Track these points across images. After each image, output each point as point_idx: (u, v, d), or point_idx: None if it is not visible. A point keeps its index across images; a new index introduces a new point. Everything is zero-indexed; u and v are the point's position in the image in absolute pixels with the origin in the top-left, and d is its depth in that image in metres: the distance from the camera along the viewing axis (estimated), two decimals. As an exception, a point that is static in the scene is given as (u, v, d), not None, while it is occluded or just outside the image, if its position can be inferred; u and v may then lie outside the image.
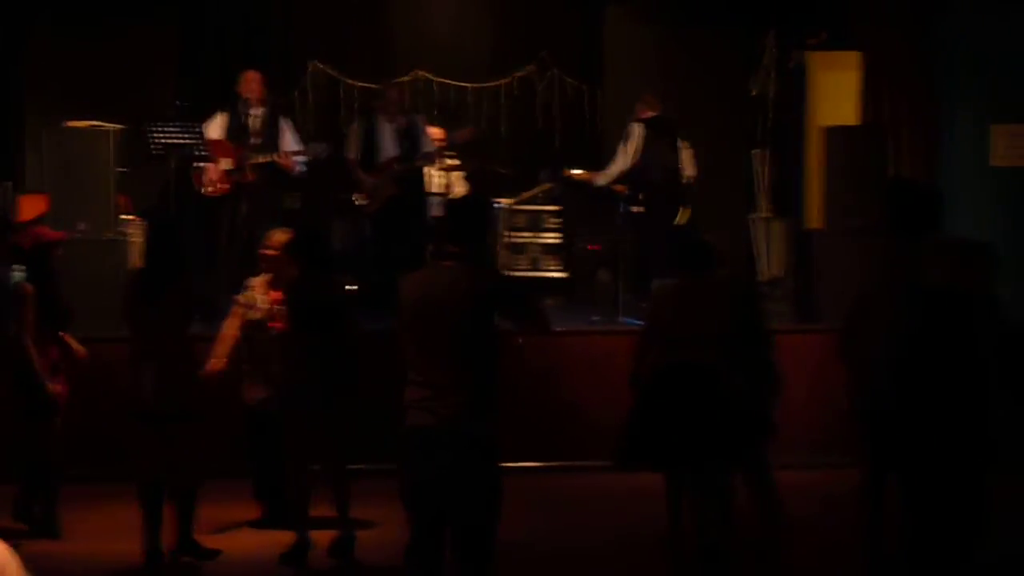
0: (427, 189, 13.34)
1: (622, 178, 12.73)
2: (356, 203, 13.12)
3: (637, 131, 12.72)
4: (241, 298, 9.35)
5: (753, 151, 14.40)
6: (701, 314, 8.09)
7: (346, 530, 8.67)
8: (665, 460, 8.15)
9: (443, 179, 13.62)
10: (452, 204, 8.83)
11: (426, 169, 13.33)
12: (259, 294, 9.26)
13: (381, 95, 13.53)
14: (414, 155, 13.08)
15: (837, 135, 12.44)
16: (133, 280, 8.69)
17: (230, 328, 9.28)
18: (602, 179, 12.85)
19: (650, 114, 12.81)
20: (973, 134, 12.73)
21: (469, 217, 6.62)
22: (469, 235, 6.49)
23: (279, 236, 9.17)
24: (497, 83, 15.17)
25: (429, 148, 13.17)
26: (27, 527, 9.22)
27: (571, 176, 13.18)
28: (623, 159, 12.72)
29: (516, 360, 8.63)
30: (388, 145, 13.07)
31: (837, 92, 13.66)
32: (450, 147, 13.61)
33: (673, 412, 7.89)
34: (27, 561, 3.09)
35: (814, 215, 13.07)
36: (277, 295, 8.94)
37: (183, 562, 8.51)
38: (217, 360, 9.06)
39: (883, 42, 13.27)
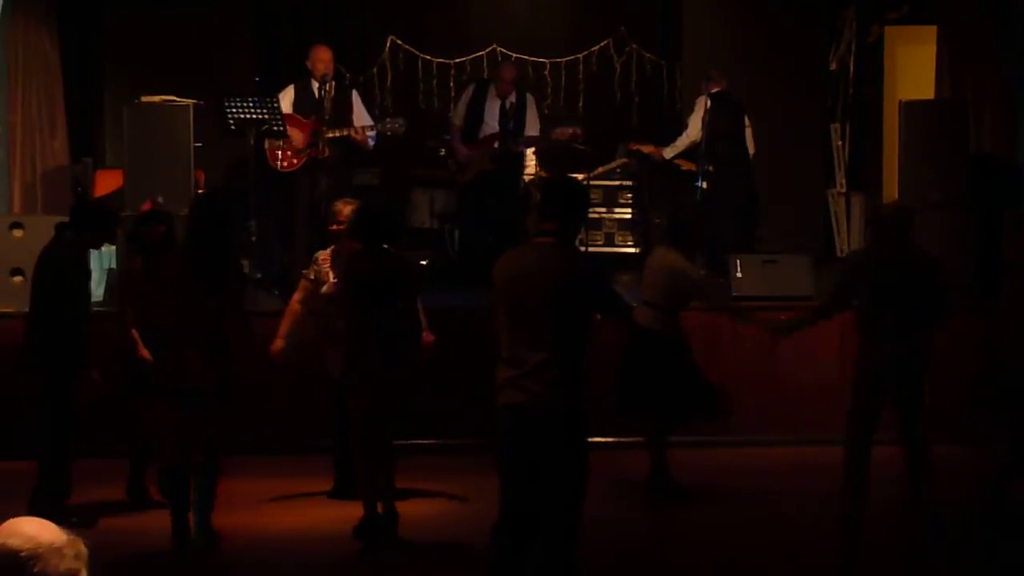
0: (526, 171, 13.45)
1: (688, 152, 12.75)
2: (450, 172, 13.28)
3: (703, 105, 12.72)
4: (308, 272, 9.38)
5: (832, 125, 14.28)
6: None
7: (383, 509, 8.49)
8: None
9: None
10: (549, 183, 8.83)
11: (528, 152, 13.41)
12: (325, 267, 9.28)
13: (496, 73, 13.62)
14: (517, 135, 13.11)
15: (915, 109, 12.28)
16: (181, 260, 8.40)
17: (294, 303, 9.36)
18: (669, 152, 12.98)
19: (716, 89, 12.79)
20: None
21: (567, 197, 6.63)
22: (566, 214, 6.51)
23: (345, 209, 9.17)
24: (574, 58, 15.14)
25: (534, 131, 13.21)
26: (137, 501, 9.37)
27: (639, 150, 13.15)
28: (689, 133, 12.82)
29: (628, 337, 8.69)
30: (491, 120, 13.16)
31: (916, 67, 13.58)
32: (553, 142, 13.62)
33: None
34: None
35: (892, 190, 12.93)
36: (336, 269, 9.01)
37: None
38: (278, 339, 9.17)
39: (962, 16, 13.12)
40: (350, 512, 8.65)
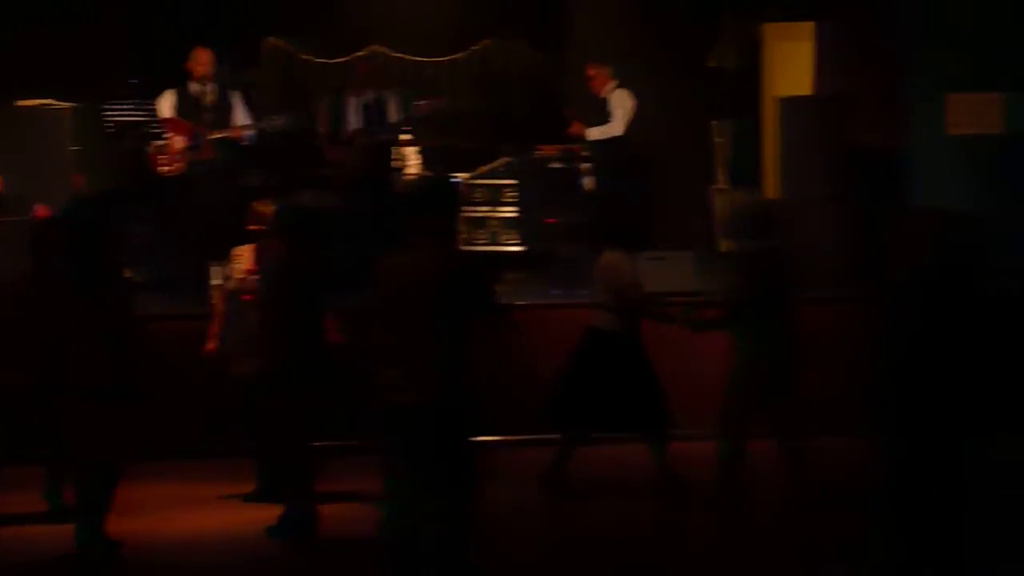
0: (408, 171, 13.42)
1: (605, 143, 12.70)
2: (326, 176, 13.19)
3: (630, 101, 12.67)
4: (219, 269, 9.35)
5: (712, 122, 14.38)
6: None
7: (297, 508, 8.49)
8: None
9: (398, 155, 13.59)
10: (421, 183, 8.88)
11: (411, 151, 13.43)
12: (237, 264, 9.26)
13: (351, 69, 13.54)
14: (380, 128, 13.06)
15: (791, 105, 12.48)
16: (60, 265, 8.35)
17: (218, 303, 9.36)
18: (596, 133, 12.76)
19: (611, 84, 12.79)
20: (929, 104, 12.72)
21: (438, 196, 6.75)
22: (440, 214, 6.63)
23: (263, 208, 9.17)
24: (456, 56, 15.10)
25: (396, 123, 13.22)
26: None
27: (569, 132, 12.99)
28: (615, 128, 12.68)
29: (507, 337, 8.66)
30: (353, 119, 13.16)
31: (794, 63, 13.70)
32: (417, 119, 13.58)
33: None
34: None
35: (773, 186, 13.14)
36: (251, 267, 8.98)
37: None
38: (210, 340, 9.25)
39: (843, 11, 13.23)
40: (258, 515, 8.65)
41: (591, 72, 12.82)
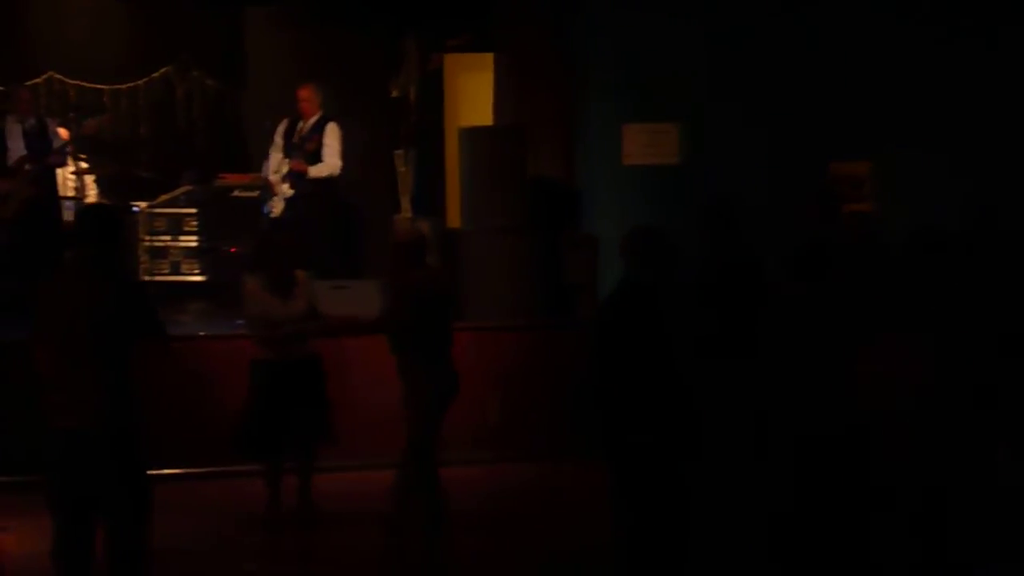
0: (60, 192, 13.08)
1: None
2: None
3: (338, 131, 12.42)
4: None
5: (395, 152, 14.45)
6: None
7: None
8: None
9: (76, 182, 13.35)
10: (83, 211, 8.65)
11: (59, 171, 13.04)
12: None
13: (11, 96, 13.13)
14: (45, 153, 12.77)
15: (472, 136, 12.56)
16: None
17: None
18: (315, 172, 12.38)
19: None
20: (607, 133, 12.89)
21: (100, 223, 6.73)
22: (102, 241, 6.65)
23: None
24: (134, 84, 14.85)
25: (61, 148, 12.88)
26: None
27: (291, 166, 12.51)
28: (331, 165, 12.40)
29: (165, 363, 8.66)
30: (17, 146, 12.77)
31: (475, 93, 13.80)
32: (80, 140, 13.30)
33: None
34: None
35: (455, 215, 13.19)
36: None
37: None
38: None
39: (521, 42, 13.33)
40: None
41: (304, 94, 12.43)
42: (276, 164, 12.47)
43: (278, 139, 12.49)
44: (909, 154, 12.04)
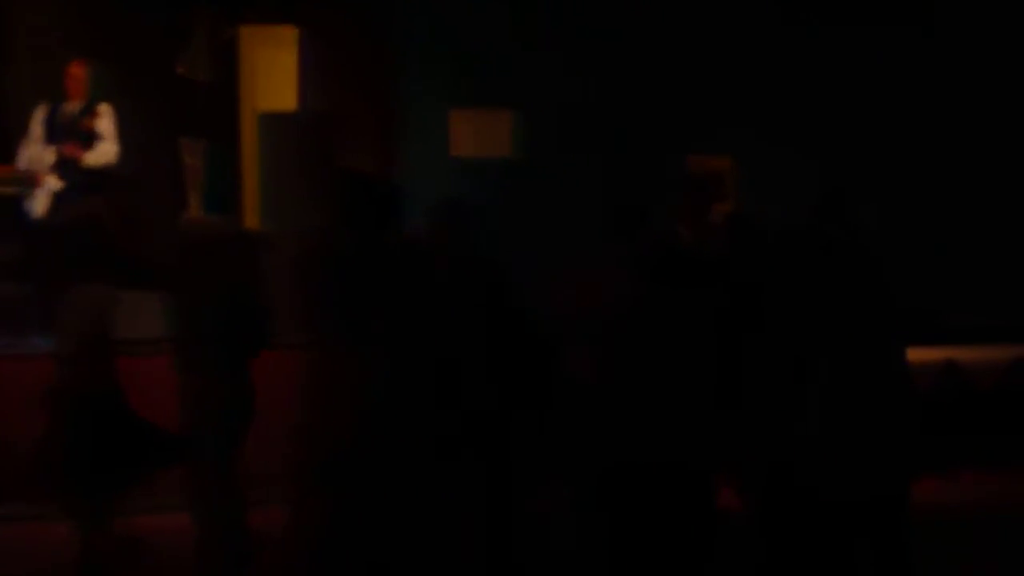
0: None
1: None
2: None
3: (114, 115, 11.63)
4: None
5: (182, 140, 13.43)
6: None
7: None
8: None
9: None
10: None
11: None
12: None
13: None
14: None
15: (272, 122, 12.15)
16: None
17: None
18: (93, 159, 11.55)
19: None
20: (432, 122, 12.73)
21: None
22: None
23: None
24: None
25: None
26: None
27: (64, 152, 11.54)
28: (112, 144, 11.58)
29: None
30: None
31: (276, 74, 13.21)
32: None
33: None
34: None
35: (254, 213, 12.67)
36: None
37: None
38: None
39: (325, 17, 12.87)
40: None
41: (75, 71, 11.61)
42: (36, 154, 11.63)
43: (36, 127, 11.65)
44: (768, 150, 12.42)
